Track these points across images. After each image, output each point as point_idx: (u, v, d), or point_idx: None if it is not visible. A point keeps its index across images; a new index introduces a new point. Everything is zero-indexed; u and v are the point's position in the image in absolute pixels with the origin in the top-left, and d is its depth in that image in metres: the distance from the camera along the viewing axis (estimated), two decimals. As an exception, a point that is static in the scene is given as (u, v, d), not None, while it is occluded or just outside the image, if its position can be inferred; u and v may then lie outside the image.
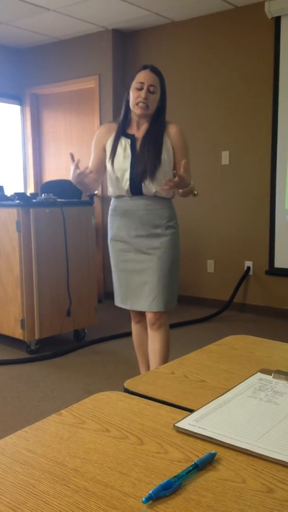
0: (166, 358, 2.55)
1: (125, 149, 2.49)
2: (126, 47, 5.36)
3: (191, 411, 0.91)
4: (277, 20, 4.40)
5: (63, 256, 3.71)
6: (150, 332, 2.59)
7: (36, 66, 5.85)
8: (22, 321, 3.56)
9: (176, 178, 2.28)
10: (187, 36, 4.96)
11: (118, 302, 2.66)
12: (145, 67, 2.49)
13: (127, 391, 1.02)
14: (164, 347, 2.58)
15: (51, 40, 5.59)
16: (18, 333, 3.61)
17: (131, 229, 2.53)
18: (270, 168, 4.57)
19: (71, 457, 0.77)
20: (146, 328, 2.68)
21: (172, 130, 2.51)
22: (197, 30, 4.89)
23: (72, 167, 2.44)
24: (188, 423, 0.86)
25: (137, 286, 2.55)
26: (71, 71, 5.56)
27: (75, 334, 4.00)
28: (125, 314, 2.97)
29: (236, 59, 4.71)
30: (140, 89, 2.43)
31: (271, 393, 0.98)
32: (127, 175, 2.47)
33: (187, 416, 0.89)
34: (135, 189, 2.48)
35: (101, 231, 5.31)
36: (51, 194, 3.70)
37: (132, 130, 2.53)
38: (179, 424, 0.86)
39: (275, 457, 0.76)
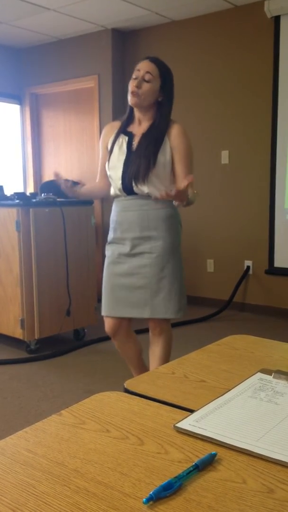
0: (165, 363, 2.48)
1: (120, 147, 2.38)
2: (125, 46, 5.35)
3: (191, 411, 0.91)
4: (277, 19, 4.40)
5: (63, 256, 3.71)
6: (151, 336, 2.52)
7: (36, 66, 5.85)
8: (22, 321, 3.56)
9: (173, 192, 2.06)
10: (187, 36, 4.96)
11: (106, 311, 2.45)
12: (146, 58, 2.37)
13: (127, 391, 1.02)
14: (164, 352, 2.49)
15: (51, 39, 5.59)
16: (18, 333, 3.61)
17: (126, 231, 2.39)
18: (270, 168, 4.57)
19: (71, 458, 0.77)
20: (126, 337, 2.53)
21: (173, 131, 2.34)
22: (197, 29, 4.89)
23: (61, 185, 2.42)
24: (188, 423, 0.86)
25: (132, 291, 2.40)
26: (70, 70, 5.56)
27: (75, 333, 4.00)
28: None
29: (235, 58, 4.71)
30: (136, 78, 2.30)
31: (271, 393, 0.98)
32: (119, 173, 2.35)
33: (187, 416, 0.89)
34: (128, 188, 2.35)
35: (101, 231, 5.31)
36: (51, 194, 3.70)
37: (133, 128, 2.41)
38: (180, 425, 0.86)
39: (275, 458, 0.76)
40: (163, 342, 2.49)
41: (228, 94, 4.79)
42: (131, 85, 2.31)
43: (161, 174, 2.32)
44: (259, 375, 1.07)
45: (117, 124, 2.48)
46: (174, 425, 0.86)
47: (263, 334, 1.44)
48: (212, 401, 0.95)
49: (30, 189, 6.09)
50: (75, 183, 2.52)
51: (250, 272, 4.83)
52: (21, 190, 6.08)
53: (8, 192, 3.91)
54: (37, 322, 3.59)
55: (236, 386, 1.02)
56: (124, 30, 5.28)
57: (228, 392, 0.99)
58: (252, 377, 1.06)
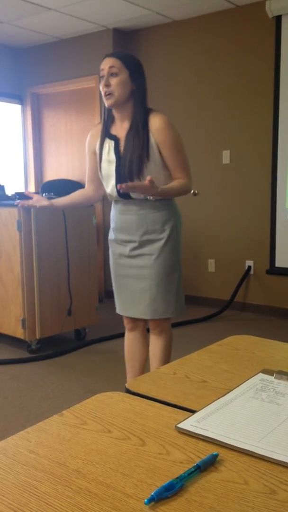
0: (166, 362, 2.49)
1: (108, 153, 2.34)
2: (126, 46, 5.35)
3: (192, 411, 0.91)
4: (278, 19, 4.39)
5: (64, 256, 3.71)
6: (151, 336, 2.52)
7: (37, 66, 5.85)
8: (23, 321, 3.56)
9: (135, 182, 2.06)
10: (188, 35, 4.96)
11: (118, 309, 2.53)
12: (105, 56, 2.28)
13: (128, 391, 1.02)
14: (165, 352, 2.50)
15: (52, 39, 5.59)
16: (19, 333, 3.61)
17: (125, 233, 2.39)
18: (271, 168, 4.57)
19: (73, 458, 0.77)
20: (139, 338, 2.57)
21: (155, 124, 2.24)
22: (198, 29, 4.89)
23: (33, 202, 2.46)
24: (190, 424, 0.86)
25: (132, 292, 2.42)
26: (71, 70, 5.56)
27: (76, 333, 4.00)
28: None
29: (236, 58, 4.70)
30: (102, 76, 2.23)
31: (273, 394, 0.97)
32: (112, 181, 2.33)
33: (189, 417, 0.89)
34: (124, 194, 2.32)
35: (102, 231, 5.31)
36: (52, 194, 3.69)
37: (115, 129, 2.34)
38: (181, 425, 0.85)
39: (277, 458, 0.75)
40: (163, 342, 2.49)
41: (229, 94, 4.78)
42: (102, 88, 2.26)
43: (153, 171, 2.27)
44: (261, 375, 1.07)
45: (98, 129, 2.44)
46: (175, 426, 0.86)
47: (264, 334, 1.44)
48: (213, 401, 0.94)
49: (32, 189, 6.09)
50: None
51: (251, 272, 4.83)
52: (22, 189, 6.08)
53: (9, 192, 3.91)
54: (38, 322, 3.59)
55: (237, 386, 1.02)
56: (125, 30, 5.28)
57: (230, 393, 0.98)
58: (253, 377, 1.06)
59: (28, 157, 6.12)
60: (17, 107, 6.06)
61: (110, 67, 2.22)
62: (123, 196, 2.34)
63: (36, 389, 3.04)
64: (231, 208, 4.89)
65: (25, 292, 3.53)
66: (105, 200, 5.44)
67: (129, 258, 2.41)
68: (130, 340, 2.59)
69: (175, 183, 2.29)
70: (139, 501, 0.66)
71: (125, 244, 2.41)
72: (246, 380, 1.04)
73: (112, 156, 2.33)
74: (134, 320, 2.53)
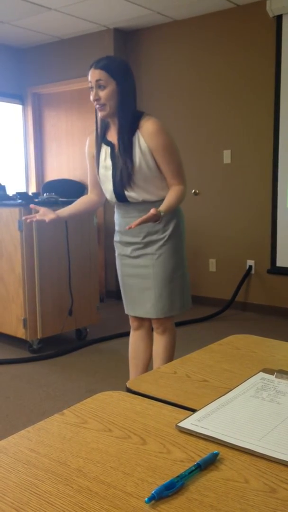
0: (169, 361, 2.48)
1: (105, 159, 2.36)
2: (127, 46, 5.35)
3: (193, 410, 0.91)
4: (279, 18, 4.39)
5: (65, 256, 3.72)
6: (155, 335, 2.54)
7: (38, 66, 5.85)
8: (24, 321, 3.56)
9: (140, 220, 2.10)
10: (189, 35, 4.96)
11: (127, 310, 2.53)
12: (90, 67, 2.27)
13: (129, 390, 1.02)
14: (168, 351, 2.51)
15: (53, 39, 5.59)
16: (20, 333, 3.62)
17: (128, 237, 2.42)
18: (272, 167, 4.56)
19: (74, 457, 0.77)
20: (144, 337, 2.58)
21: (146, 129, 2.24)
22: (199, 29, 4.89)
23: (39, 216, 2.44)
24: (190, 423, 0.86)
25: (136, 291, 2.45)
26: (72, 70, 5.56)
27: (77, 333, 4.00)
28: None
29: (237, 57, 4.70)
30: (91, 88, 2.25)
31: (273, 393, 0.98)
32: (110, 187, 2.36)
33: (189, 416, 0.89)
34: (122, 199, 2.35)
35: (103, 230, 5.31)
36: (53, 194, 3.70)
37: (111, 135, 2.36)
38: (182, 424, 0.86)
39: (277, 457, 0.76)
40: (166, 341, 2.51)
41: (230, 94, 4.78)
42: (92, 100, 2.27)
43: (148, 176, 2.28)
44: (261, 374, 1.07)
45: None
46: (176, 425, 0.86)
47: (265, 333, 1.44)
48: (214, 400, 0.95)
49: (32, 189, 6.09)
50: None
51: (252, 271, 4.83)
52: (23, 190, 6.09)
53: (10, 192, 3.92)
54: (39, 321, 3.59)
55: (238, 385, 1.02)
56: (126, 29, 5.28)
57: (230, 392, 0.99)
58: (254, 376, 1.06)
59: (29, 157, 6.12)
60: (18, 107, 6.06)
61: (97, 80, 2.22)
62: (122, 200, 2.37)
63: (37, 389, 3.05)
64: (232, 207, 4.88)
65: (26, 292, 3.53)
66: (106, 201, 5.45)
67: (133, 259, 2.44)
68: (135, 339, 2.60)
69: (172, 195, 2.30)
70: (140, 499, 0.66)
71: (129, 245, 2.44)
72: (247, 379, 1.05)
73: (109, 162, 2.35)
74: (140, 319, 2.55)
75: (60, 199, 3.67)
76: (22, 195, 3.62)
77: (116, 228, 2.51)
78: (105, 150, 2.37)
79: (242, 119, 4.73)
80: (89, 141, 2.51)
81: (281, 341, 1.35)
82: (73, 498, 0.67)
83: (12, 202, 3.60)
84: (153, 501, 0.66)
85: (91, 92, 2.25)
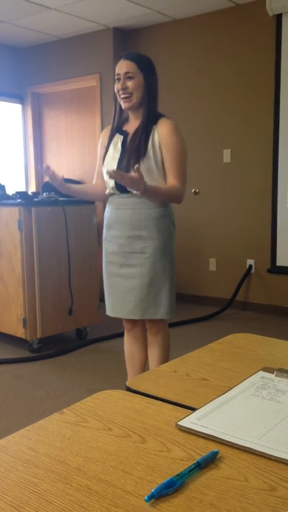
0: (165, 362, 2.47)
1: (115, 145, 2.38)
2: (127, 45, 5.35)
3: (193, 409, 0.91)
4: (278, 17, 4.39)
5: (65, 255, 3.71)
6: (149, 337, 2.52)
7: (37, 65, 5.85)
8: (24, 320, 3.56)
9: (130, 173, 2.05)
10: (188, 34, 4.96)
11: (108, 310, 2.50)
12: (120, 57, 2.32)
13: (129, 389, 1.02)
14: (162, 351, 2.49)
15: (52, 38, 5.59)
16: (20, 332, 3.61)
17: (117, 229, 2.38)
18: (272, 166, 4.56)
19: (73, 456, 0.77)
20: (138, 338, 2.57)
21: (163, 128, 2.29)
22: (198, 28, 4.88)
23: (51, 179, 2.37)
24: (190, 421, 0.86)
25: (121, 291, 2.40)
26: (72, 69, 5.56)
27: (77, 332, 4.00)
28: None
29: (237, 57, 4.70)
30: (118, 79, 2.29)
31: (273, 391, 0.97)
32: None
33: (189, 414, 0.89)
34: (121, 186, 2.27)
35: (103, 230, 5.31)
36: (53, 193, 3.70)
37: (128, 126, 2.40)
38: (181, 423, 0.86)
39: (277, 456, 0.75)
40: (160, 342, 2.49)
41: (230, 93, 4.78)
42: (118, 90, 2.30)
43: (153, 169, 2.29)
44: (261, 373, 1.07)
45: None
46: (176, 423, 0.86)
47: (265, 332, 1.44)
48: (214, 399, 0.94)
49: (32, 188, 6.09)
50: (69, 180, 2.48)
51: (252, 271, 4.83)
52: (23, 189, 6.09)
53: (10, 191, 3.91)
54: (39, 321, 3.59)
55: (238, 384, 1.02)
56: (126, 28, 5.28)
57: (230, 390, 0.99)
58: (254, 375, 1.06)
59: (29, 157, 6.12)
60: (18, 107, 6.06)
61: (126, 72, 2.27)
62: (120, 188, 2.33)
63: (37, 388, 3.05)
64: (232, 207, 4.88)
65: (26, 291, 3.53)
66: (105, 200, 5.45)
67: (120, 256, 2.39)
68: (129, 340, 2.59)
69: (166, 186, 2.29)
70: (140, 498, 0.66)
71: (117, 242, 2.40)
72: (247, 378, 1.04)
73: (119, 147, 2.36)
74: (132, 321, 2.52)
75: (60, 198, 3.67)
76: (22, 195, 3.62)
77: (105, 222, 2.46)
78: (118, 138, 2.39)
79: (242, 118, 4.73)
80: (104, 132, 2.52)
81: (281, 340, 1.35)
82: (72, 497, 0.67)
83: (11, 201, 3.60)
84: (152, 500, 0.66)
85: (117, 83, 2.29)
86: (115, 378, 3.17)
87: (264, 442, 0.79)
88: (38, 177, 6.13)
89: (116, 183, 2.33)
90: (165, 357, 2.50)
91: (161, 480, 0.69)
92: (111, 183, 2.37)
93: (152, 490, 0.66)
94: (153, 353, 2.51)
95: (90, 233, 3.91)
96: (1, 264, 3.66)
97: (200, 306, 4.94)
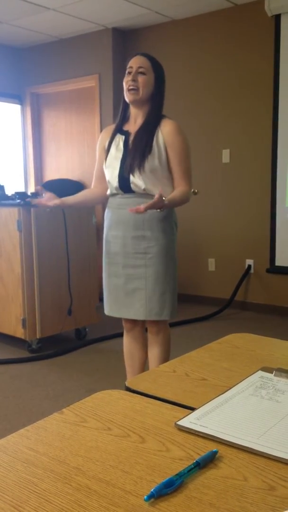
0: (165, 362, 2.46)
1: (117, 146, 2.38)
2: (126, 45, 5.35)
3: (192, 409, 0.91)
4: (277, 18, 4.39)
5: (64, 255, 3.72)
6: (149, 336, 2.52)
7: (36, 65, 5.85)
8: (24, 320, 3.56)
9: (143, 206, 2.07)
10: (187, 35, 4.96)
11: (107, 310, 2.50)
12: (135, 54, 2.37)
13: (128, 389, 1.02)
14: (163, 352, 2.49)
15: (51, 39, 5.59)
16: (19, 332, 3.61)
17: (120, 229, 2.37)
18: (271, 166, 4.57)
19: (73, 456, 0.77)
20: (137, 338, 2.56)
21: (167, 128, 2.32)
22: (197, 28, 4.89)
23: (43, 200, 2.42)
24: (189, 421, 0.86)
25: (123, 292, 2.39)
26: (71, 70, 5.56)
27: (76, 333, 4.00)
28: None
29: (236, 57, 4.70)
30: (130, 73, 2.31)
31: (272, 391, 0.98)
32: (116, 172, 2.34)
33: (188, 414, 0.89)
34: (125, 185, 2.33)
35: (102, 230, 5.31)
36: (52, 194, 3.69)
37: (129, 126, 2.40)
38: (181, 422, 0.86)
39: (276, 455, 0.76)
40: (161, 342, 2.49)
41: (228, 93, 4.78)
42: (127, 82, 2.32)
43: (157, 169, 2.30)
44: (260, 373, 1.07)
45: (112, 127, 2.48)
46: (175, 423, 0.86)
47: (264, 332, 1.44)
48: (213, 399, 0.95)
49: (31, 189, 6.09)
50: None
51: (252, 271, 4.83)
52: (22, 189, 6.08)
53: (9, 191, 3.91)
54: (39, 321, 3.59)
55: (237, 384, 1.02)
56: (125, 29, 5.28)
57: (229, 390, 0.99)
58: (253, 375, 1.06)
59: (28, 157, 6.12)
60: (17, 107, 6.06)
61: (140, 66, 2.30)
62: (123, 187, 2.34)
63: (36, 389, 3.05)
64: (231, 207, 4.89)
65: (26, 291, 3.53)
66: (105, 200, 5.44)
67: (123, 257, 2.39)
68: (129, 340, 2.58)
69: (178, 193, 2.31)
70: (139, 497, 0.67)
71: (119, 242, 2.39)
72: (246, 378, 1.05)
73: (121, 147, 2.36)
74: (133, 321, 2.52)
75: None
76: (21, 195, 3.62)
77: (106, 223, 2.46)
78: (119, 138, 2.39)
79: (240, 119, 4.73)
80: (102, 134, 2.52)
81: (280, 339, 1.35)
82: (72, 496, 0.67)
83: (11, 202, 3.60)
84: (152, 499, 0.66)
85: (127, 76, 2.31)
86: (115, 378, 3.17)
87: (263, 441, 0.79)
88: (37, 177, 6.13)
89: (120, 183, 2.34)
90: (166, 357, 2.50)
91: (160, 480, 0.70)
92: (114, 183, 2.37)
93: (152, 490, 0.66)
94: (154, 353, 2.51)
95: (89, 233, 3.91)
96: (1, 265, 3.66)
97: (199, 306, 4.94)
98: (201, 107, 4.95)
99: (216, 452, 0.77)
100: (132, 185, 2.32)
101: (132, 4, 4.55)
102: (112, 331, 4.06)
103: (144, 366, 2.61)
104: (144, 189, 2.31)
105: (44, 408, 2.77)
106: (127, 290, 2.39)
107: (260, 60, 4.56)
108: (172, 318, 2.43)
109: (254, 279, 4.83)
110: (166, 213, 2.36)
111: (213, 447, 0.79)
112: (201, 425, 0.84)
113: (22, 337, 3.61)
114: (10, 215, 3.54)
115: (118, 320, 2.63)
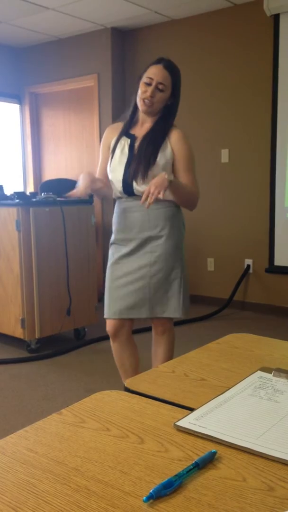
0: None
1: (122, 149, 2.35)
2: (125, 45, 5.35)
3: (191, 409, 0.91)
4: (276, 17, 4.39)
5: (63, 255, 3.71)
6: (154, 336, 2.51)
7: (35, 65, 5.85)
8: (23, 320, 3.56)
9: (149, 188, 2.04)
10: (186, 34, 4.96)
11: (114, 313, 2.39)
12: (159, 61, 2.33)
13: (127, 390, 1.02)
14: (167, 352, 2.48)
15: (50, 38, 5.59)
16: (18, 332, 3.61)
17: (126, 233, 2.38)
18: (270, 166, 4.57)
19: (71, 456, 0.77)
20: (125, 344, 2.49)
21: (174, 136, 2.32)
22: (196, 28, 4.89)
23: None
24: (188, 421, 0.86)
25: (130, 292, 2.36)
26: (70, 69, 5.56)
27: (75, 333, 4.00)
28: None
29: (235, 56, 4.70)
30: (149, 84, 2.26)
31: (271, 391, 0.98)
32: (120, 176, 2.33)
33: (187, 414, 0.89)
34: (128, 190, 2.32)
35: (101, 230, 5.31)
36: (51, 193, 3.69)
37: (135, 129, 2.37)
38: (180, 423, 0.86)
39: (275, 456, 0.76)
40: (166, 342, 2.48)
41: (228, 93, 4.78)
42: (144, 92, 2.27)
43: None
44: (259, 373, 1.07)
45: (117, 126, 2.45)
46: (174, 424, 0.86)
47: (263, 332, 1.44)
48: (212, 399, 0.95)
49: (30, 189, 6.09)
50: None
51: (251, 270, 4.83)
52: (21, 189, 6.08)
53: (8, 191, 3.91)
54: (38, 321, 3.59)
55: (236, 384, 1.02)
56: (124, 29, 5.28)
57: (228, 391, 0.99)
58: (252, 375, 1.06)
59: (27, 157, 6.12)
60: (16, 107, 6.06)
61: (160, 83, 2.27)
62: (127, 191, 2.34)
63: (35, 389, 3.04)
64: (230, 207, 4.89)
65: (25, 292, 3.53)
66: (104, 199, 5.44)
67: (129, 257, 2.38)
68: (117, 348, 2.52)
69: (188, 185, 2.30)
70: (138, 498, 0.66)
71: (126, 244, 2.39)
72: (245, 378, 1.05)
73: (126, 152, 2.34)
74: (117, 327, 2.44)
75: (58, 198, 3.66)
76: (20, 195, 3.62)
77: (115, 227, 2.45)
78: (125, 141, 2.37)
79: (240, 118, 4.73)
80: (107, 132, 2.48)
81: (279, 339, 1.35)
82: (71, 497, 0.67)
83: (10, 202, 3.60)
84: (151, 500, 0.66)
85: (145, 86, 2.27)
86: (114, 378, 3.17)
87: (262, 442, 0.79)
88: (36, 177, 6.12)
89: (123, 187, 2.34)
90: (169, 357, 2.47)
91: (159, 481, 0.70)
92: (118, 187, 2.36)
93: (150, 491, 0.66)
94: (158, 353, 2.49)
95: (88, 233, 3.91)
96: (-1, 265, 3.66)
97: (198, 306, 4.94)
98: (200, 107, 4.95)
99: (215, 453, 0.76)
100: (135, 191, 2.32)
101: (131, 4, 4.55)
102: (111, 331, 4.06)
103: (138, 369, 2.56)
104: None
105: (43, 408, 2.77)
106: (131, 290, 2.37)
107: (259, 60, 4.57)
108: (179, 317, 2.42)
109: (253, 279, 4.84)
110: (172, 212, 2.35)
111: (212, 447, 0.79)
112: (200, 426, 0.84)
113: (21, 337, 3.61)
114: (9, 215, 3.54)
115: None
